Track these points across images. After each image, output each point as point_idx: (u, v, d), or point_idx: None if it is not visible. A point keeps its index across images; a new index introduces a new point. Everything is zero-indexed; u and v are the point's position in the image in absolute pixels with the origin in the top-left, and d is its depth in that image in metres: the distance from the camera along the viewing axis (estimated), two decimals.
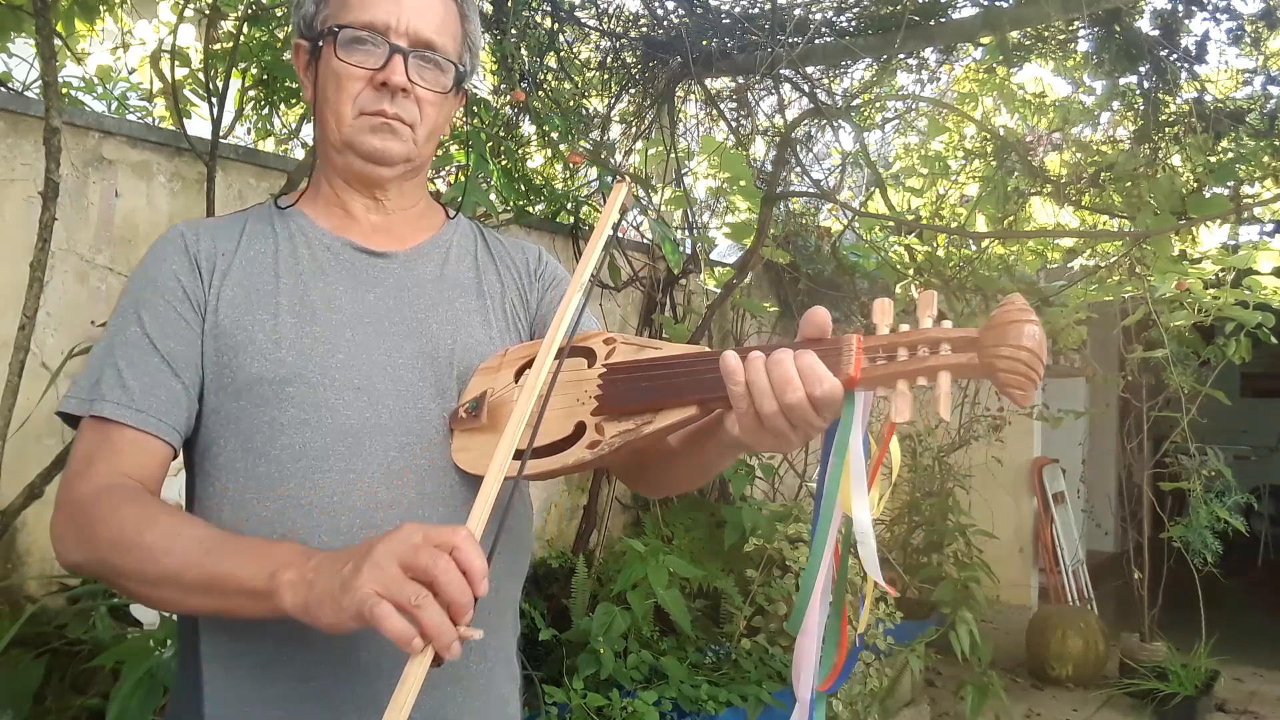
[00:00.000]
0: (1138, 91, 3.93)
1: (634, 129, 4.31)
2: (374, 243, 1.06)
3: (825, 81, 4.48)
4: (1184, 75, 3.74)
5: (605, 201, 3.58)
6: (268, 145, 3.42)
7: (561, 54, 3.81)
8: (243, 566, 0.82)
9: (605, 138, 3.92)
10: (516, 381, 0.97)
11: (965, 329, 0.74)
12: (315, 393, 0.96)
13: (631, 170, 4.04)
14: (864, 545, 0.82)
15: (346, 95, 0.99)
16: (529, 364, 0.96)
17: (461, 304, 1.07)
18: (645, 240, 3.97)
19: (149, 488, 0.93)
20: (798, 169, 4.45)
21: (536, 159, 3.86)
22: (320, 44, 1.01)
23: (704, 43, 3.90)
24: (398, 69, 0.99)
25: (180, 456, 1.02)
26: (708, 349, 0.89)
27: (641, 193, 3.39)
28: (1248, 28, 3.59)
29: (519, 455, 0.85)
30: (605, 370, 0.90)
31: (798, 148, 4.42)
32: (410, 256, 1.07)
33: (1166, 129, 3.86)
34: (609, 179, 3.41)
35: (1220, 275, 3.85)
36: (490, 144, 2.89)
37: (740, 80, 4.38)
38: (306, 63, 1.05)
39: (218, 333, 0.97)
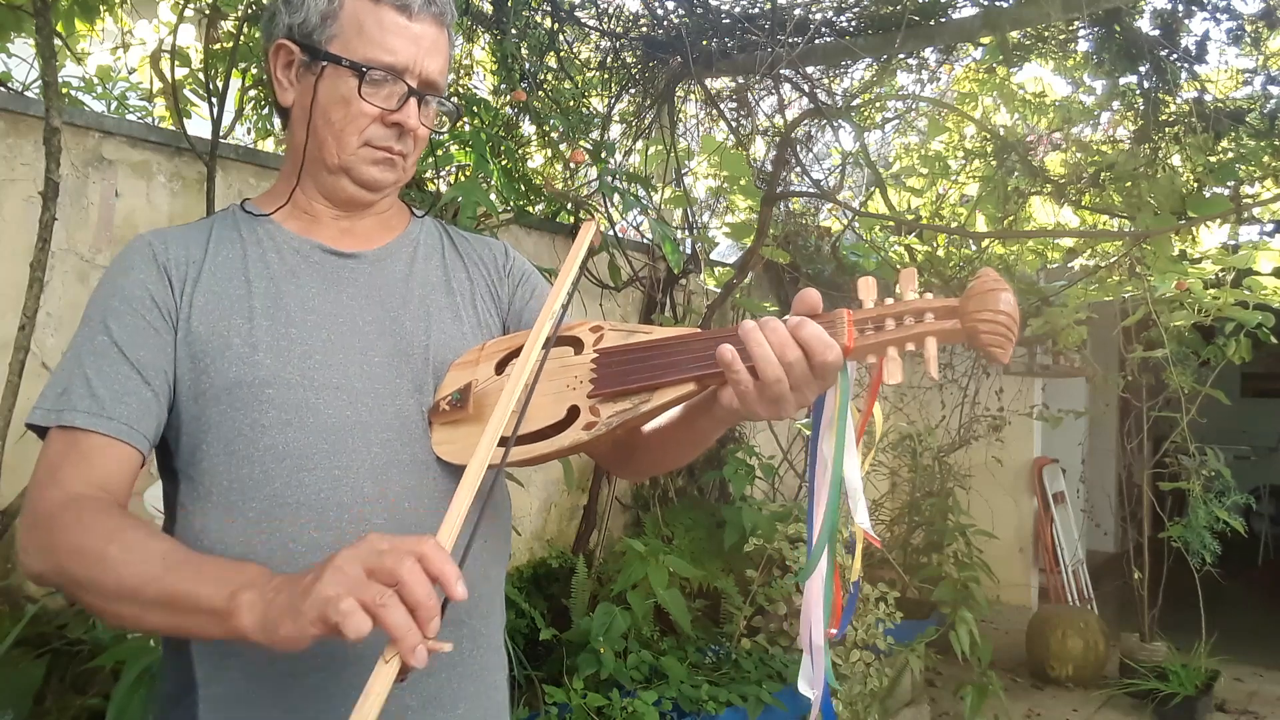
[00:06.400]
0: (1138, 91, 3.93)
1: (634, 129, 4.31)
2: (342, 244, 1.07)
3: (825, 81, 4.48)
4: (1184, 75, 3.74)
5: (602, 205, 3.59)
6: (268, 145, 3.41)
7: (561, 54, 3.81)
8: (203, 584, 0.80)
9: (605, 137, 3.92)
10: (499, 373, 0.99)
11: (946, 299, 0.80)
12: (295, 393, 0.96)
13: (631, 169, 4.04)
14: (855, 501, 0.91)
15: (355, 126, 1.01)
16: (511, 355, 0.98)
17: (432, 301, 1.08)
18: (645, 240, 3.97)
19: (118, 496, 0.92)
20: (798, 169, 4.45)
21: (536, 159, 3.86)
22: (322, 61, 1.00)
23: (704, 43, 3.90)
24: (412, 113, 1.02)
25: (155, 464, 1.01)
26: (699, 330, 0.92)
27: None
28: (1248, 28, 3.58)
29: (504, 442, 0.87)
30: (598, 355, 0.93)
31: (798, 148, 4.42)
32: (379, 256, 1.08)
33: (1166, 129, 3.86)
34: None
35: (1220, 275, 3.86)
36: (490, 144, 2.89)
37: (740, 80, 4.38)
38: (293, 67, 1.04)
39: (191, 339, 0.97)
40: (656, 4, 4.06)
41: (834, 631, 0.96)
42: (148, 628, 0.87)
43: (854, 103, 4.54)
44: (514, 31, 3.29)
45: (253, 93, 3.22)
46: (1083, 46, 4.06)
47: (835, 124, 4.44)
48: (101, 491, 0.91)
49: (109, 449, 0.92)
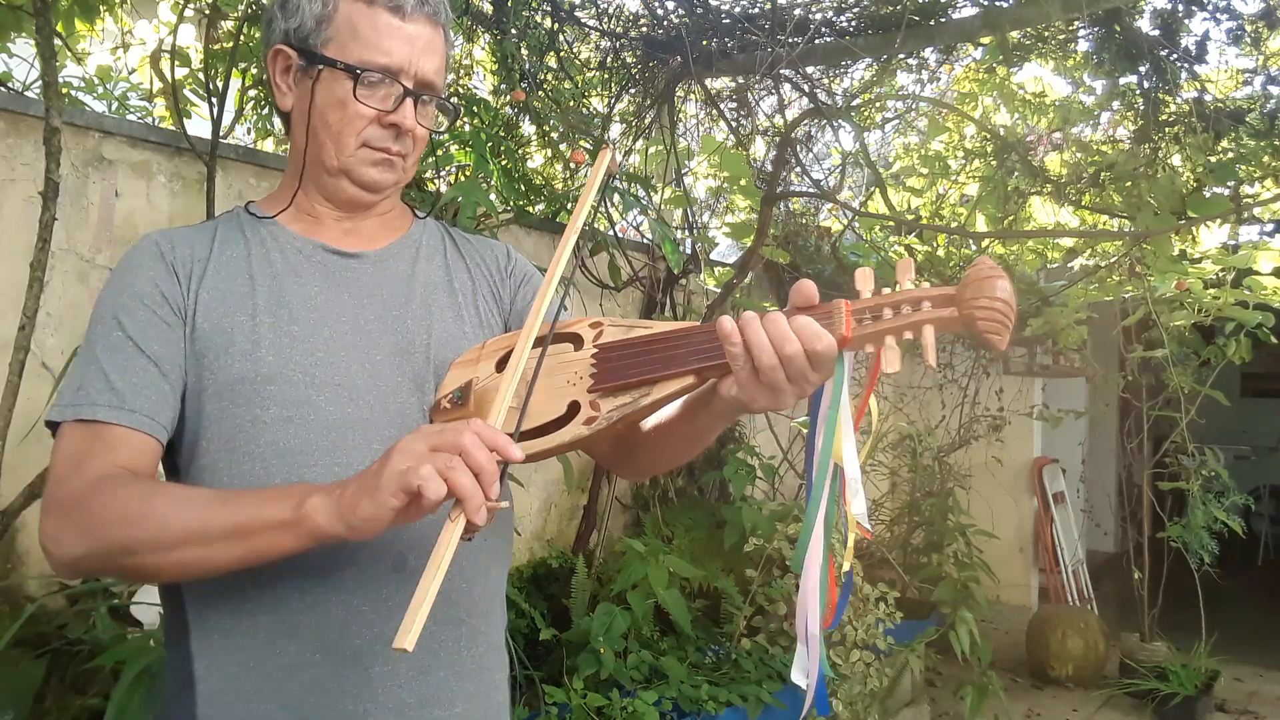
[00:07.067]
0: (1138, 91, 3.93)
1: (634, 129, 4.31)
2: (344, 244, 1.08)
3: (825, 81, 4.48)
4: (1184, 75, 3.74)
5: (602, 205, 3.59)
6: (268, 145, 3.41)
7: (561, 54, 3.81)
8: (265, 505, 0.84)
9: (605, 137, 3.91)
10: (500, 371, 1.00)
11: (943, 287, 0.80)
12: (296, 390, 0.97)
13: (631, 169, 4.04)
14: (853, 490, 0.92)
15: (352, 128, 1.02)
16: (511, 353, 0.98)
17: (434, 300, 1.09)
18: (645, 240, 3.97)
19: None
20: (798, 169, 4.45)
21: (536, 159, 3.86)
22: (318, 64, 1.01)
23: (704, 43, 3.90)
24: (409, 113, 1.03)
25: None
26: (698, 324, 0.92)
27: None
28: (1248, 28, 3.58)
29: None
30: (598, 350, 0.93)
31: (798, 148, 4.42)
32: (381, 257, 1.09)
33: (1166, 129, 3.86)
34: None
35: (1220, 275, 3.86)
36: (490, 144, 2.89)
37: (740, 80, 4.38)
38: (291, 72, 1.05)
39: (196, 336, 0.98)
40: (656, 4, 4.06)
41: (826, 625, 0.96)
42: (212, 567, 0.87)
43: (854, 103, 4.54)
44: (514, 31, 3.29)
45: (253, 93, 3.22)
46: (1083, 46, 4.06)
47: (835, 124, 4.44)
48: (126, 470, 0.92)
49: (131, 439, 0.93)
